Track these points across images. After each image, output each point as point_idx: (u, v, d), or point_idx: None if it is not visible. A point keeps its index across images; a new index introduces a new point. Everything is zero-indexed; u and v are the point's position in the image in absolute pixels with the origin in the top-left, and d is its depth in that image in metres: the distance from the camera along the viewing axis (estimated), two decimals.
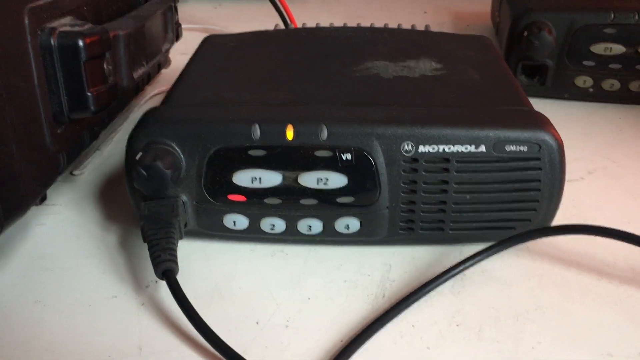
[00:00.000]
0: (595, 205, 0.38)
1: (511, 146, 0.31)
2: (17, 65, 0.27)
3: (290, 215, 0.33)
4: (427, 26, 0.49)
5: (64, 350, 0.28)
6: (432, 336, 0.29)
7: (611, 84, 0.49)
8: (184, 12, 0.75)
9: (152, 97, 0.53)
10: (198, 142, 0.32)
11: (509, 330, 0.29)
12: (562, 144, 0.32)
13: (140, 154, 0.31)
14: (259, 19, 0.74)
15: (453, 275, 0.32)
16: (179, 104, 0.35)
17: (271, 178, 0.32)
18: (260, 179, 0.32)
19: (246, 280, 0.32)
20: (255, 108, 0.33)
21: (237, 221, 0.33)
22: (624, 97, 0.50)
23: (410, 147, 0.31)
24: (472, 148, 0.31)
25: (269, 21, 0.68)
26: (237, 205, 0.33)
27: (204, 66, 0.40)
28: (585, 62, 0.49)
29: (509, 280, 0.32)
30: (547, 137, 0.31)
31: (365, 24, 0.50)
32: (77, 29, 0.29)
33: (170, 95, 0.36)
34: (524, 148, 0.31)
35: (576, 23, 0.48)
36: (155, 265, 0.30)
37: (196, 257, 0.34)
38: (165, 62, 0.52)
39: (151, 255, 0.30)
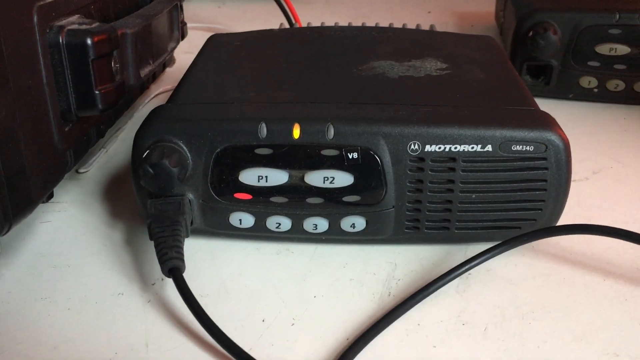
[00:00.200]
0: (601, 205, 0.38)
1: (517, 146, 0.31)
2: (26, 63, 0.27)
3: (296, 213, 0.33)
4: (432, 26, 0.49)
5: (71, 346, 0.28)
6: (438, 335, 0.29)
7: (616, 85, 0.49)
8: (188, 11, 0.75)
9: (156, 95, 0.53)
10: (205, 141, 0.32)
11: (514, 329, 0.29)
12: (569, 143, 0.32)
13: (147, 151, 0.31)
14: (262, 18, 0.74)
15: (458, 275, 0.32)
16: (185, 102, 0.35)
17: (277, 176, 0.32)
18: (266, 177, 0.32)
19: (252, 278, 0.32)
20: (262, 107, 0.33)
21: (243, 219, 0.33)
22: (629, 98, 0.50)
23: (416, 147, 0.31)
24: (478, 148, 0.31)
25: (272, 20, 0.68)
26: (243, 203, 0.33)
27: (209, 65, 0.40)
28: (590, 63, 0.49)
29: (515, 279, 0.32)
30: (553, 137, 0.31)
31: (370, 23, 0.50)
32: (85, 27, 0.29)
33: (176, 93, 0.36)
34: (530, 148, 0.31)
35: (581, 23, 0.48)
36: (162, 263, 0.30)
37: (202, 255, 0.34)
38: (169, 61, 0.52)
39: (158, 253, 0.30)
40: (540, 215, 0.33)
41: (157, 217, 0.31)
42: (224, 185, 0.32)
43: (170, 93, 0.53)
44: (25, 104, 0.27)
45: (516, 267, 0.33)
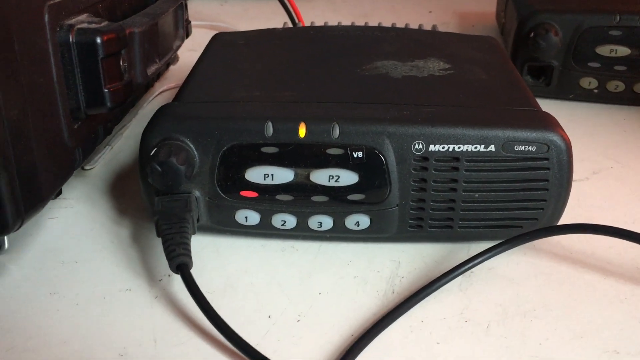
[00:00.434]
0: (601, 205, 0.39)
1: (520, 146, 0.32)
2: (38, 61, 0.27)
3: (301, 211, 0.33)
4: (434, 26, 0.50)
5: (80, 341, 0.29)
6: (441, 332, 0.29)
7: (616, 86, 0.50)
8: (191, 9, 0.75)
9: (160, 93, 0.53)
10: (212, 139, 0.32)
11: (516, 327, 0.29)
12: (570, 144, 0.32)
13: (154, 149, 0.32)
14: (264, 16, 0.75)
15: (461, 273, 0.32)
16: (192, 100, 0.35)
17: (283, 175, 0.32)
18: (272, 175, 0.32)
19: (258, 275, 0.33)
20: (268, 106, 0.34)
21: (249, 217, 0.34)
22: (629, 99, 0.50)
23: (420, 146, 0.32)
24: (481, 147, 0.32)
25: (275, 18, 0.68)
26: (249, 201, 0.33)
27: (214, 64, 0.41)
28: (590, 64, 0.49)
29: (516, 278, 0.33)
30: (555, 138, 0.32)
31: (372, 23, 0.50)
32: (94, 26, 0.30)
33: (182, 92, 0.36)
34: (532, 148, 0.32)
35: (582, 25, 0.48)
36: (170, 260, 0.30)
37: (208, 252, 0.34)
38: (173, 59, 0.53)
39: (165, 249, 0.31)
40: (542, 215, 0.33)
41: (165, 214, 0.32)
42: (230, 183, 0.33)
43: (174, 91, 0.54)
44: (37, 101, 0.27)
45: (518, 265, 0.33)
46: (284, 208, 0.33)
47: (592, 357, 0.28)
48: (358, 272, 0.33)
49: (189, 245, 0.31)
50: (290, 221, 0.34)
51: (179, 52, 0.54)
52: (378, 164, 0.32)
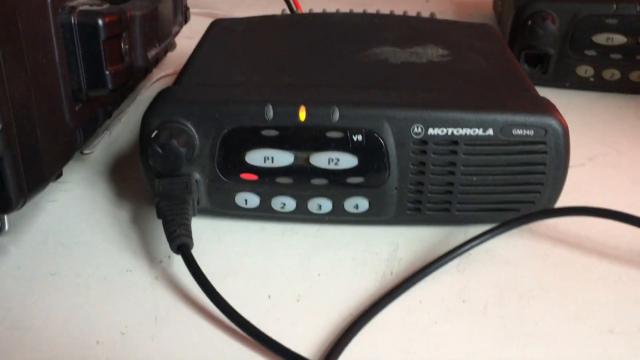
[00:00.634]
0: (596, 190, 0.39)
1: (518, 130, 0.32)
2: (41, 42, 0.27)
3: (300, 194, 0.34)
4: (432, 14, 0.50)
5: (82, 320, 0.29)
6: (439, 312, 0.30)
7: (612, 74, 0.50)
8: None
9: (158, 79, 0.53)
10: (212, 122, 0.32)
11: (513, 307, 0.30)
12: (567, 128, 0.33)
13: (155, 132, 0.32)
14: (262, 4, 0.75)
15: (459, 254, 0.32)
16: (192, 84, 0.35)
17: (283, 158, 0.33)
18: (272, 158, 0.33)
19: (257, 257, 0.33)
20: (268, 89, 0.34)
21: (249, 199, 0.34)
22: (624, 87, 0.50)
23: (419, 130, 0.32)
24: (480, 131, 0.32)
25: (271, 6, 0.68)
26: (249, 184, 0.33)
27: (213, 49, 0.41)
28: (587, 52, 0.50)
29: (513, 260, 0.33)
30: (553, 122, 0.32)
31: (370, 10, 0.50)
32: (96, 8, 0.30)
33: (182, 76, 0.37)
34: (530, 132, 0.32)
35: (579, 13, 0.48)
36: (171, 240, 0.30)
37: (208, 235, 0.35)
38: (171, 46, 0.53)
39: (166, 230, 0.31)
40: (539, 198, 0.34)
41: (165, 196, 0.32)
42: (230, 166, 0.33)
43: (172, 77, 0.54)
44: (40, 82, 0.27)
45: (515, 248, 0.34)
46: (284, 191, 0.34)
47: (588, 336, 0.28)
48: (356, 254, 0.33)
49: (190, 226, 0.31)
50: (290, 204, 0.34)
51: (176, 40, 0.54)
52: (377, 148, 0.32)
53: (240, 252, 0.34)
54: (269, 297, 0.31)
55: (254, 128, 0.32)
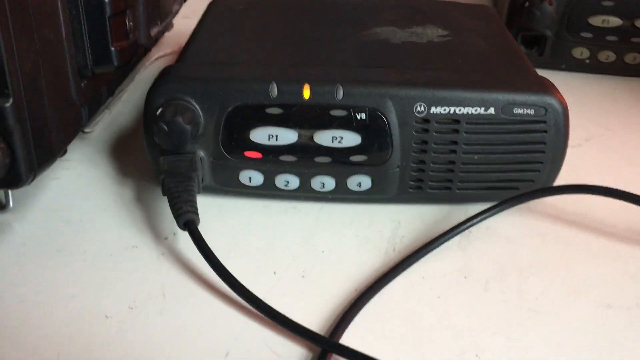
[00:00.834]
0: (593, 170, 0.40)
1: (519, 109, 0.33)
2: (48, 17, 0.27)
3: (304, 172, 0.34)
4: None
5: (90, 295, 0.29)
6: (441, 287, 0.30)
7: (607, 56, 0.51)
8: None
9: (157, 58, 0.53)
10: (217, 100, 0.33)
11: (513, 283, 0.31)
12: (567, 107, 0.33)
13: (160, 109, 0.32)
14: None
15: (460, 232, 0.33)
16: (195, 62, 0.35)
17: (287, 136, 0.33)
18: (276, 136, 0.33)
19: (262, 234, 0.33)
20: (272, 67, 0.34)
21: (253, 177, 0.34)
22: (619, 69, 0.51)
23: (422, 108, 0.32)
24: (481, 110, 0.33)
25: None
26: (253, 161, 0.34)
27: (215, 27, 0.41)
28: (583, 34, 0.50)
29: (513, 237, 0.34)
30: (553, 101, 0.33)
31: None
32: None
33: (185, 54, 0.37)
34: (530, 111, 0.33)
35: None
36: (177, 217, 0.31)
37: (212, 213, 0.35)
38: (170, 25, 0.53)
39: (172, 207, 0.31)
40: (538, 177, 0.34)
41: (170, 173, 0.32)
42: (234, 144, 0.33)
43: (170, 57, 0.54)
44: (47, 57, 0.27)
45: (514, 225, 0.34)
46: (288, 169, 0.34)
47: (587, 310, 0.29)
48: (359, 231, 0.34)
49: (196, 202, 0.32)
50: (294, 182, 0.34)
51: (173, 20, 0.54)
52: (381, 126, 0.33)
53: (244, 229, 0.34)
54: (275, 273, 0.31)
55: (259, 106, 0.33)
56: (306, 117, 0.33)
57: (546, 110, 0.33)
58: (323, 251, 0.32)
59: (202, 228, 0.31)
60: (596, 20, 0.49)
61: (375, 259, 0.32)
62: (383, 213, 0.35)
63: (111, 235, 0.33)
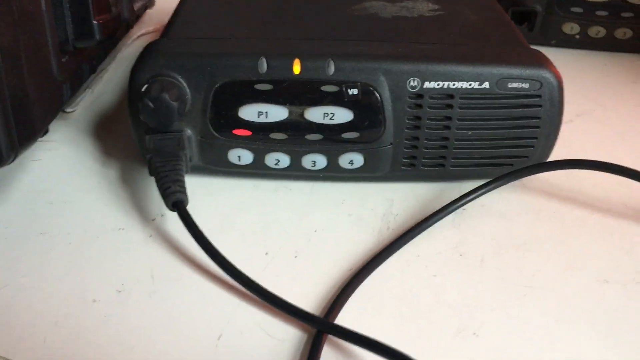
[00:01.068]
0: (585, 145, 0.39)
1: (514, 83, 0.32)
2: None
3: (295, 150, 0.33)
4: None
5: (77, 278, 0.28)
6: (437, 265, 0.30)
7: (597, 31, 0.50)
8: None
9: (139, 37, 0.51)
10: (204, 76, 0.32)
11: (509, 260, 0.30)
12: (562, 81, 0.32)
13: (146, 86, 0.31)
14: None
15: (454, 209, 0.32)
16: (181, 37, 0.34)
17: (277, 112, 0.32)
18: (266, 113, 0.32)
19: (253, 214, 0.33)
20: (261, 42, 0.33)
21: (242, 156, 0.33)
22: (609, 45, 0.51)
23: (416, 83, 0.32)
24: (476, 84, 0.32)
25: None
26: (242, 140, 0.33)
27: (200, 2, 0.40)
28: (573, 9, 0.49)
29: (508, 213, 0.33)
30: (548, 75, 0.32)
31: None
32: None
33: (169, 29, 0.35)
34: (525, 85, 0.32)
35: None
36: (166, 197, 0.30)
37: (201, 193, 0.34)
38: (151, 2, 0.51)
39: (160, 187, 0.30)
40: (532, 152, 0.34)
41: (157, 153, 0.31)
42: (223, 121, 0.32)
43: (152, 35, 0.53)
44: (27, 30, 0.26)
45: (509, 202, 0.34)
46: (278, 147, 0.33)
47: (584, 285, 0.29)
48: (352, 210, 0.33)
49: (184, 182, 0.31)
50: (284, 160, 0.33)
51: None
52: (373, 101, 0.32)
53: (235, 209, 0.33)
54: (267, 253, 0.30)
55: (247, 82, 0.32)
56: (297, 93, 0.32)
57: (541, 84, 0.32)
58: (316, 230, 0.32)
59: (191, 209, 0.30)
60: None
61: (369, 238, 0.31)
62: (376, 191, 0.34)
63: (96, 217, 0.32)
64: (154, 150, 0.31)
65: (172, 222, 0.32)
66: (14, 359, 0.25)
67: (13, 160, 0.27)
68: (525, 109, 0.33)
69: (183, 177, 0.31)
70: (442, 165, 0.34)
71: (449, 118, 0.32)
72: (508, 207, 0.34)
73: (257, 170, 0.34)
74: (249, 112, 0.32)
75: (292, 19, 0.37)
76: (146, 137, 0.32)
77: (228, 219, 0.32)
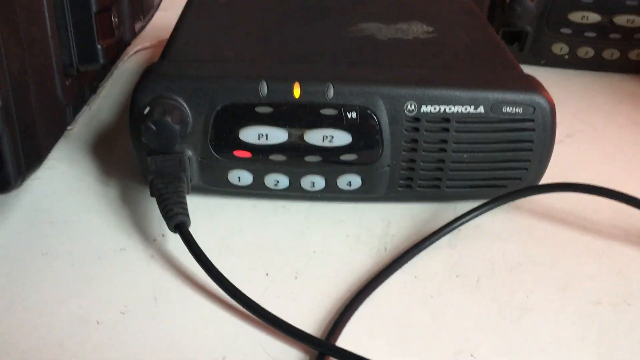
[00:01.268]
0: (576, 166, 0.40)
1: (508, 108, 0.33)
2: (34, 15, 0.26)
3: (294, 171, 0.34)
4: None
5: (79, 300, 0.29)
6: (434, 286, 0.30)
7: (586, 52, 0.51)
8: None
9: (136, 52, 0.52)
10: (205, 98, 0.32)
11: (504, 281, 0.31)
12: (554, 106, 0.33)
13: (148, 108, 0.31)
14: None
15: (450, 230, 0.33)
16: (181, 59, 0.35)
17: (277, 135, 0.33)
18: (266, 135, 0.33)
19: (252, 235, 0.33)
20: (262, 65, 0.34)
21: (242, 177, 0.34)
22: (597, 65, 0.52)
23: (413, 107, 0.32)
24: (471, 109, 0.33)
25: None
26: (242, 161, 0.33)
27: (198, 22, 0.40)
28: (562, 30, 0.51)
29: (502, 235, 0.34)
30: (541, 100, 0.33)
31: None
32: None
33: (169, 50, 0.36)
34: (519, 110, 0.33)
35: None
36: (168, 219, 0.30)
37: (200, 213, 0.34)
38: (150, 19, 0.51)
39: (163, 209, 0.31)
40: (526, 175, 0.35)
41: (159, 174, 0.32)
42: (223, 143, 0.33)
43: (149, 50, 0.53)
44: (34, 56, 0.26)
45: (502, 223, 0.35)
46: (277, 168, 0.34)
47: (577, 307, 0.29)
48: (350, 230, 0.34)
49: (186, 204, 0.31)
50: (283, 181, 0.34)
51: None
52: (371, 125, 0.33)
53: (234, 229, 0.33)
54: (267, 274, 0.31)
55: (248, 105, 0.32)
56: (296, 116, 0.32)
57: (534, 109, 0.33)
58: (315, 251, 0.32)
59: (191, 229, 0.31)
60: (576, 17, 0.50)
61: (368, 259, 0.32)
62: (372, 212, 0.35)
63: (98, 237, 0.32)
64: (155, 171, 0.32)
65: (173, 242, 0.32)
66: None
67: (20, 185, 0.27)
68: (519, 133, 0.33)
69: (185, 198, 0.31)
70: (438, 186, 0.35)
71: (445, 141, 0.33)
72: (501, 228, 0.34)
73: (257, 191, 0.35)
74: (250, 134, 0.33)
75: (290, 40, 0.37)
76: (148, 158, 0.32)
77: (227, 240, 0.33)
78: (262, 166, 0.33)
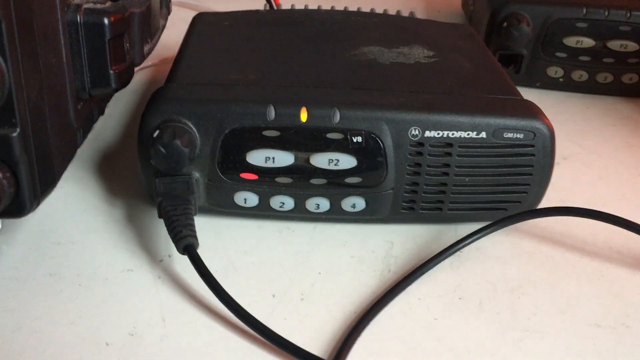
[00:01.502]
0: (573, 188, 0.41)
1: (509, 133, 0.34)
2: (51, 42, 0.27)
3: (299, 193, 0.34)
4: (411, 12, 0.51)
5: (88, 322, 0.29)
6: (437, 308, 0.31)
7: (580, 75, 0.52)
8: None
9: (137, 71, 0.52)
10: (214, 122, 0.33)
11: (506, 303, 0.32)
12: (554, 132, 0.34)
13: (157, 131, 0.32)
14: None
15: (452, 253, 0.34)
16: (188, 82, 0.35)
17: (284, 158, 0.33)
18: (273, 158, 0.33)
19: (258, 256, 0.34)
20: (269, 90, 0.34)
21: (248, 199, 0.34)
22: (592, 88, 0.53)
23: (417, 132, 0.33)
24: (473, 134, 0.33)
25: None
26: (249, 183, 0.34)
27: (202, 45, 0.41)
28: (557, 54, 0.52)
29: (503, 257, 0.35)
30: (541, 126, 0.34)
31: (351, 8, 0.51)
32: (100, 6, 0.29)
33: (175, 73, 0.36)
34: (520, 135, 0.34)
35: (551, 16, 0.50)
36: (177, 241, 0.31)
37: (206, 234, 0.35)
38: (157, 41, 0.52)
39: (171, 231, 0.31)
40: (525, 198, 0.35)
41: (168, 196, 0.32)
42: (231, 166, 0.33)
43: (151, 69, 0.54)
44: (50, 82, 0.27)
45: (503, 245, 0.35)
46: (283, 190, 0.34)
47: (577, 329, 0.30)
48: (354, 252, 0.34)
49: (194, 226, 0.32)
50: (289, 203, 0.34)
51: None
52: (376, 149, 0.33)
53: (240, 250, 0.34)
54: (274, 296, 0.31)
55: (256, 128, 0.33)
56: (303, 140, 0.33)
57: (534, 135, 0.34)
58: (320, 272, 0.33)
59: (198, 251, 0.31)
60: (570, 41, 0.51)
61: (372, 280, 0.33)
62: (375, 233, 0.36)
63: (105, 258, 0.33)
64: (163, 193, 0.32)
65: (180, 263, 0.32)
66: None
67: (34, 210, 0.27)
68: (519, 158, 0.34)
69: (193, 220, 0.32)
70: (440, 209, 0.35)
71: (447, 165, 0.34)
72: (502, 251, 0.35)
73: (262, 212, 0.35)
74: (257, 157, 0.33)
75: (295, 65, 0.38)
76: (156, 180, 0.33)
77: (234, 260, 0.33)
78: (268, 188, 0.34)
